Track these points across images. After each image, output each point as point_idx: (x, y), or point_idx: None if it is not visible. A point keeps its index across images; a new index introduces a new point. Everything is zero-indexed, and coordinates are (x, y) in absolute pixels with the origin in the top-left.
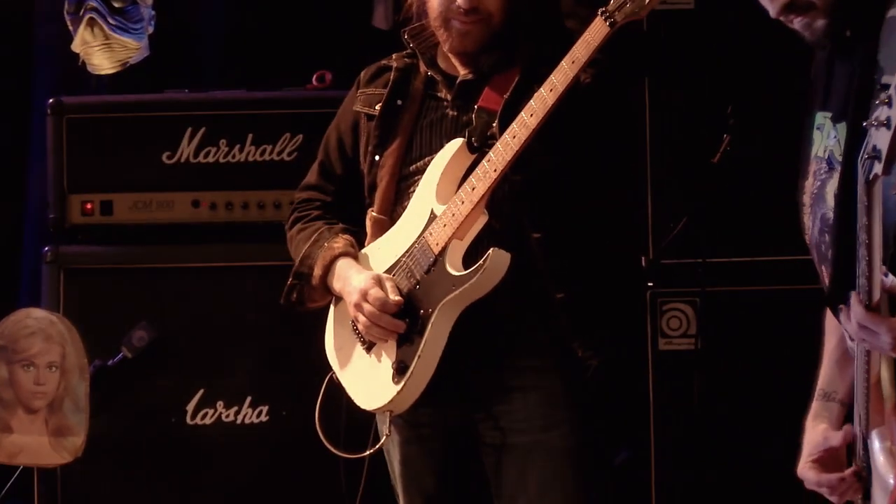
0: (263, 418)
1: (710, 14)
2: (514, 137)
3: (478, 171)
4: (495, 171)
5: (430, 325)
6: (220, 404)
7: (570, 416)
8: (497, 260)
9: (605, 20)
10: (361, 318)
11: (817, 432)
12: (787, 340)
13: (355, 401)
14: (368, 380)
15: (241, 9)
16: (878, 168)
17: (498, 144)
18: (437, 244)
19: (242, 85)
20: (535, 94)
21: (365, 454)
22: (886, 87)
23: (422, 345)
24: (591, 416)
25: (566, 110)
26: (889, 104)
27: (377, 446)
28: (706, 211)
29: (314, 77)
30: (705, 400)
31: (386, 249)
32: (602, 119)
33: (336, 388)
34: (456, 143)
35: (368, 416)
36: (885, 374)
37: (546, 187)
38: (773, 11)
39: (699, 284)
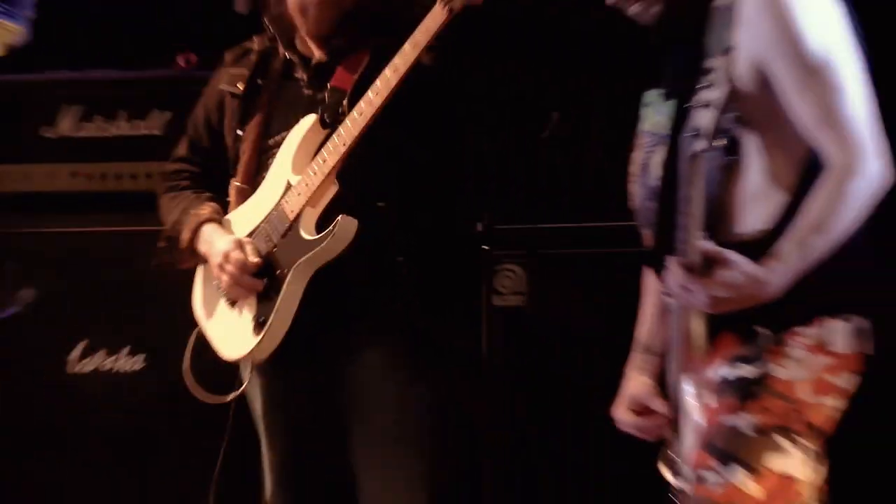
0: (140, 366)
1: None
2: (361, 115)
3: (329, 144)
4: (344, 145)
5: (285, 284)
6: (100, 354)
7: (417, 368)
8: (345, 226)
9: (444, 6)
10: (224, 278)
11: (639, 384)
12: (609, 297)
13: (219, 351)
14: (231, 332)
15: None
16: (700, 145)
17: (347, 121)
18: (293, 211)
19: (114, 65)
20: (380, 76)
21: (228, 398)
22: (711, 69)
23: (278, 301)
24: (431, 364)
25: (410, 89)
26: (714, 85)
27: (238, 391)
28: (536, 182)
29: (180, 58)
30: (533, 348)
31: (247, 215)
32: (442, 98)
33: (205, 340)
34: (309, 120)
35: (234, 365)
36: (696, 326)
37: (390, 160)
38: None
39: (528, 247)
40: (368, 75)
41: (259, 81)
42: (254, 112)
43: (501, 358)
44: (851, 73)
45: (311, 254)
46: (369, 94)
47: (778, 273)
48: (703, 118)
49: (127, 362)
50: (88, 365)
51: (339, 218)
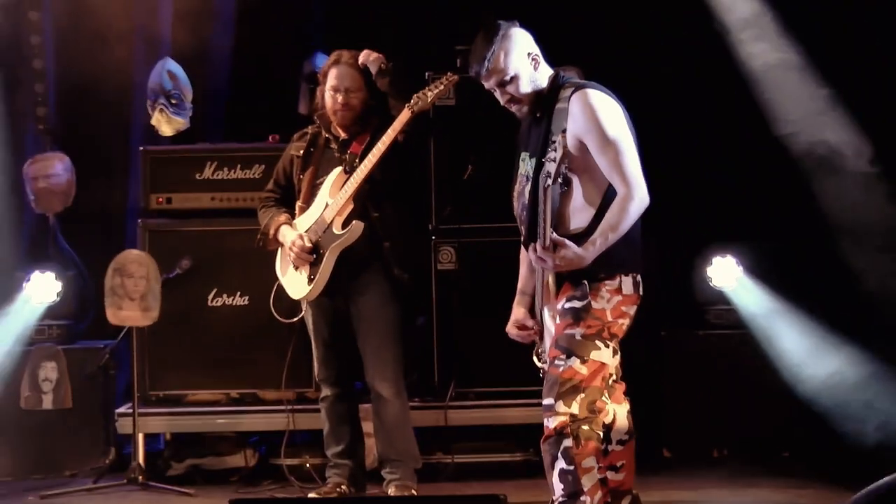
0: (246, 302)
1: (465, 107)
2: (365, 167)
3: (349, 182)
4: (356, 182)
5: (325, 258)
6: (224, 296)
7: (394, 300)
8: (357, 227)
9: (409, 109)
10: (292, 255)
11: (519, 312)
12: (503, 266)
13: (289, 293)
14: (296, 283)
15: (234, 100)
16: (549, 181)
17: (358, 170)
18: (329, 218)
19: (235, 139)
20: (375, 147)
21: (294, 320)
22: (554, 141)
23: (321, 267)
24: (403, 302)
25: (391, 152)
26: (555, 150)
27: (299, 316)
28: (461, 201)
29: (270, 137)
30: (461, 294)
31: (305, 220)
32: (409, 157)
33: (282, 289)
34: (338, 170)
35: (297, 302)
36: (550, 280)
37: (381, 190)
38: (502, 101)
39: (458, 237)
40: (370, 146)
41: (311, 150)
42: (309, 165)
43: (445, 297)
44: (628, 144)
45: (337, 241)
46: (370, 155)
47: (590, 252)
48: (551, 167)
49: (238, 300)
50: (217, 301)
51: (353, 222)
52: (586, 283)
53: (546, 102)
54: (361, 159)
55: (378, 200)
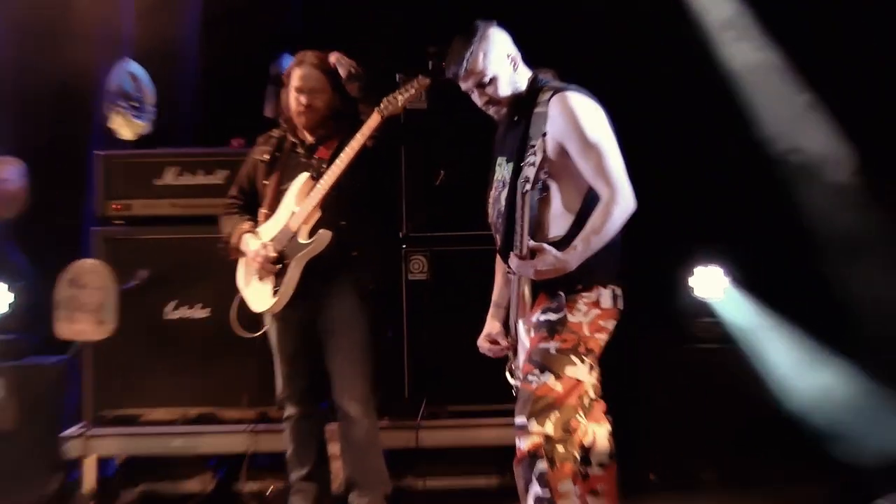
0: (206, 315)
1: (435, 110)
2: (332, 173)
3: (316, 189)
4: (323, 189)
5: (290, 268)
6: (183, 308)
7: (364, 312)
8: (323, 235)
9: (378, 114)
10: (255, 265)
11: (493, 325)
12: (477, 276)
13: (252, 307)
14: (259, 295)
15: (197, 103)
16: (528, 186)
17: (325, 176)
18: (294, 227)
19: (197, 144)
20: (343, 151)
21: (256, 334)
22: (534, 145)
23: (286, 278)
24: (373, 314)
25: (361, 158)
26: (535, 154)
27: (262, 331)
28: (434, 208)
29: (233, 140)
30: (431, 303)
31: (270, 228)
32: (379, 163)
33: (243, 301)
34: (304, 175)
35: (260, 315)
36: (526, 291)
37: (349, 197)
38: (479, 103)
39: (429, 246)
40: (338, 151)
41: (277, 154)
42: (274, 170)
43: (416, 309)
44: (611, 147)
45: (303, 251)
46: (337, 161)
47: (573, 257)
48: (529, 172)
49: (198, 312)
50: (176, 314)
51: (320, 231)
52: (562, 294)
53: (524, 105)
54: (329, 165)
55: (346, 208)
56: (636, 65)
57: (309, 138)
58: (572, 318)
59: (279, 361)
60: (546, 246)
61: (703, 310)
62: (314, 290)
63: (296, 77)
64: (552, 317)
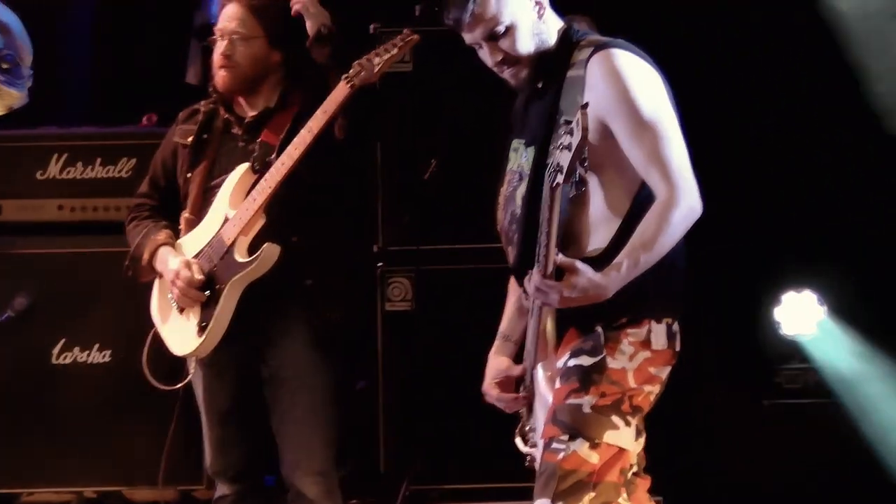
0: (108, 359)
1: (423, 74)
2: (283, 164)
3: (258, 186)
4: (269, 187)
5: (222, 297)
6: (76, 349)
7: (324, 356)
8: (270, 252)
9: (347, 83)
10: (175, 291)
11: (500, 362)
12: (478, 305)
13: (170, 349)
14: (180, 333)
15: (92, 65)
16: (560, 178)
17: (273, 168)
18: (229, 238)
19: (92, 122)
20: (299, 135)
21: (176, 386)
22: (569, 122)
23: (217, 310)
24: (338, 359)
25: (322, 145)
26: (571, 134)
27: (184, 381)
28: (419, 213)
29: (144, 118)
30: (417, 344)
31: (194, 240)
32: (347, 153)
33: (160, 339)
34: (243, 167)
35: (182, 359)
36: (549, 325)
37: (306, 198)
38: (490, 62)
39: (414, 264)
40: (291, 133)
41: (204, 136)
42: (201, 159)
43: (394, 351)
44: (673, 128)
45: (242, 273)
46: (290, 148)
47: (614, 280)
48: (564, 158)
49: (97, 356)
50: (66, 357)
51: (265, 245)
52: (601, 330)
53: (553, 66)
54: (278, 153)
55: (300, 216)
56: (700, 16)
57: (250, 113)
58: (613, 364)
59: (208, 423)
60: (579, 264)
61: (792, 351)
62: (256, 328)
63: (220, 17)
64: (586, 361)
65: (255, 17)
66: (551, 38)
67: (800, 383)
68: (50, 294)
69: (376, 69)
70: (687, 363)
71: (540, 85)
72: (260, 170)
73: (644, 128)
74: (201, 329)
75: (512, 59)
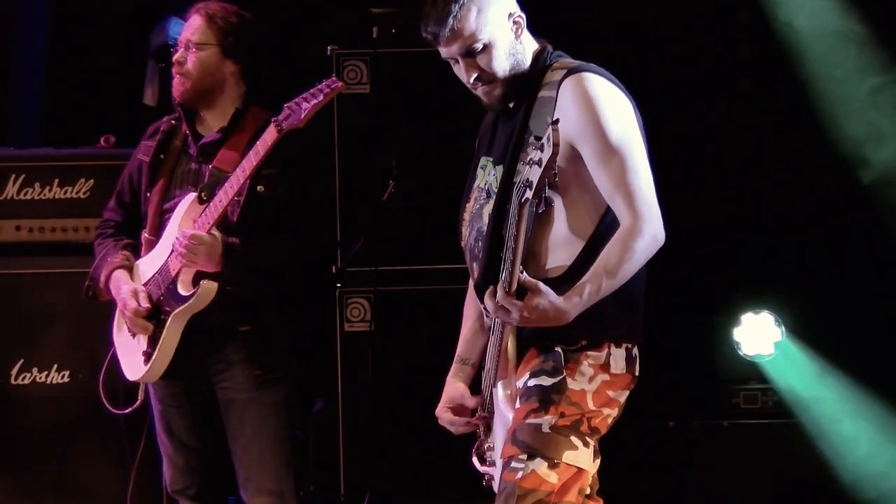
0: (66, 380)
1: (381, 95)
2: (220, 201)
3: (200, 220)
4: (207, 223)
5: (166, 327)
6: (34, 370)
7: (277, 376)
8: (207, 288)
9: (276, 127)
10: (125, 319)
11: (455, 389)
12: (438, 326)
13: (124, 372)
14: (132, 357)
15: (47, 86)
16: (529, 193)
17: (211, 204)
18: (174, 269)
19: (50, 143)
20: (232, 175)
21: (126, 411)
22: (539, 138)
23: (161, 340)
24: (292, 379)
25: (259, 194)
26: (541, 150)
27: (134, 406)
28: (378, 234)
29: (101, 139)
30: (378, 365)
31: (150, 263)
32: (300, 185)
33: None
34: (190, 198)
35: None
36: (510, 344)
37: (244, 245)
38: (465, 78)
39: (373, 285)
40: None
41: (161, 156)
42: (158, 178)
43: (353, 371)
44: (640, 155)
45: (182, 307)
46: (226, 186)
47: (575, 305)
48: (534, 174)
49: (56, 377)
50: (25, 378)
51: (202, 282)
52: (561, 351)
53: (526, 86)
54: (227, 180)
55: (238, 254)
56: (665, 41)
57: (210, 129)
58: (573, 385)
59: (170, 445)
60: (541, 286)
61: (750, 372)
62: (205, 354)
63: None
64: (546, 381)
65: (209, 27)
66: (526, 59)
67: (758, 403)
68: (8, 315)
69: (303, 115)
70: (644, 387)
71: (511, 105)
72: (206, 200)
73: (612, 154)
74: (147, 358)
75: (487, 77)
